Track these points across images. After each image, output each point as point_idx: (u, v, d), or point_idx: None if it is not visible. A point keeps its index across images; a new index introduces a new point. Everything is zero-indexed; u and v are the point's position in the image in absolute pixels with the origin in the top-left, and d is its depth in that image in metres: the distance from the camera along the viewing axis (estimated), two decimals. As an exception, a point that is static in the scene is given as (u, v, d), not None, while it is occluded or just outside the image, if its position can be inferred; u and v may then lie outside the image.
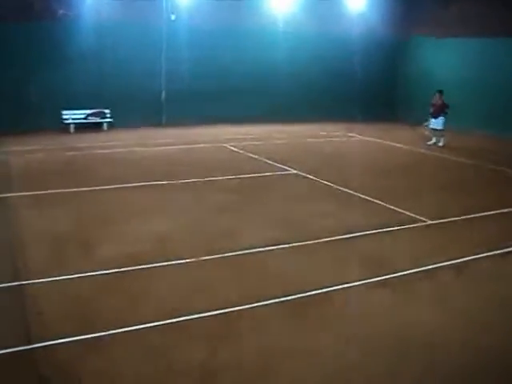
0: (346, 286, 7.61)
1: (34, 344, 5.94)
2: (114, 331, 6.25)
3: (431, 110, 20.01)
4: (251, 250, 8.84)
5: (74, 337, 6.08)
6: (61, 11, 20.22)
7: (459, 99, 23.43)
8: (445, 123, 19.83)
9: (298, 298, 7.22)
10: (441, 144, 19.75)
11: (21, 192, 11.99)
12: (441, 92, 20.08)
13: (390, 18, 25.91)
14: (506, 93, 22.09)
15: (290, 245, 9.15)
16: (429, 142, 20.02)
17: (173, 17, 22.04)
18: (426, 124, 20.44)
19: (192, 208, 11.25)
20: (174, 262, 8.28)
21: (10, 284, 7.40)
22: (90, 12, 20.39)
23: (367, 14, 25.23)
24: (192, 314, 6.64)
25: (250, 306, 6.94)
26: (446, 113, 19.75)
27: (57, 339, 6.02)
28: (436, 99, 20.05)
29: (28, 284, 7.44)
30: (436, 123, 19.91)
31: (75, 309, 6.80)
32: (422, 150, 18.96)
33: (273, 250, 8.93)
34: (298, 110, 23.71)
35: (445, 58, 24.93)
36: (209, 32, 22.42)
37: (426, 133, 20.47)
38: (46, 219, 10.27)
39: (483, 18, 22.55)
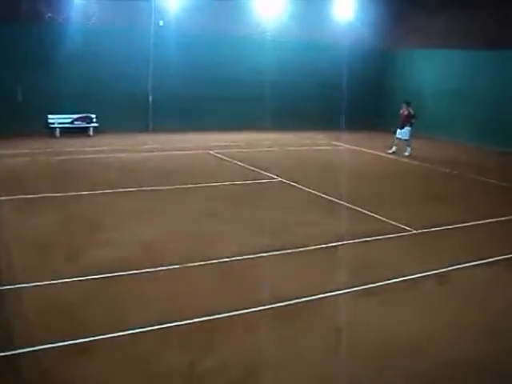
0: (332, 294, 7.63)
1: (17, 349, 5.89)
2: (98, 337, 6.21)
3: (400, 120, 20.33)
4: (237, 257, 8.84)
5: (57, 343, 6.03)
6: (48, 14, 20.16)
7: (444, 110, 23.87)
8: (410, 133, 20.06)
9: (285, 305, 7.23)
10: (407, 153, 19.93)
11: (5, 196, 11.87)
12: (408, 103, 20.36)
13: (377, 29, 26.24)
14: (490, 104, 22.36)
15: (276, 252, 9.15)
16: (389, 151, 20.24)
17: (161, 23, 22.07)
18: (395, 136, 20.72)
19: (178, 214, 11.22)
20: (160, 269, 8.24)
21: (-8, 288, 7.34)
22: (78, 16, 20.34)
23: (354, 25, 25.48)
24: (178, 321, 6.63)
25: (236, 313, 6.94)
26: (412, 123, 20.00)
27: (40, 345, 5.97)
28: (403, 110, 20.31)
29: (12, 289, 7.37)
30: (401, 133, 20.14)
31: (59, 314, 6.74)
32: (407, 160, 19.11)
33: (259, 257, 8.93)
34: (284, 118, 23.78)
35: (430, 69, 25.24)
36: (197, 39, 22.48)
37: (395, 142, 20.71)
38: (31, 224, 10.18)
39: (468, 30, 22.85)
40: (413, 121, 20.00)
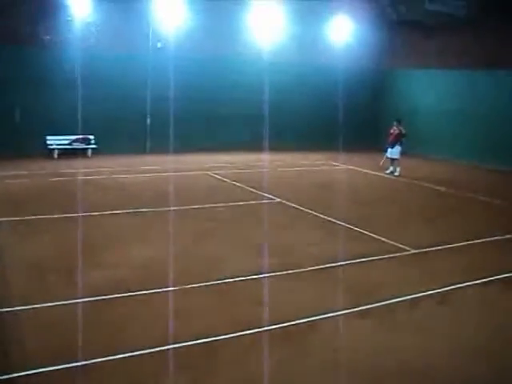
0: (330, 314, 7.61)
1: (14, 373, 5.85)
2: (95, 360, 6.17)
3: (389, 139, 20.20)
4: (235, 279, 8.83)
5: (56, 366, 5.99)
6: (47, 37, 20.32)
7: (441, 129, 24.04)
8: (400, 152, 19.98)
9: (283, 326, 7.20)
10: (397, 174, 19.89)
11: (2, 217, 11.87)
12: (399, 121, 20.27)
13: (375, 50, 26.46)
14: (487, 123, 22.48)
15: (275, 273, 9.14)
16: (386, 171, 20.26)
17: (159, 44, 22.25)
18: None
19: (176, 236, 11.15)
20: (157, 290, 8.24)
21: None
22: (76, 39, 20.50)
23: (352, 45, 25.69)
24: (175, 343, 6.59)
25: (234, 334, 6.92)
26: (402, 142, 19.89)
27: (37, 368, 5.93)
28: (393, 129, 20.21)
29: (8, 311, 7.35)
30: (392, 152, 20.04)
31: (57, 337, 6.72)
32: (404, 180, 19.13)
33: (257, 278, 8.92)
34: (282, 139, 23.83)
35: (428, 89, 25.46)
36: (194, 60, 22.65)
37: (381, 163, 20.70)
38: (28, 245, 10.19)
39: (465, 50, 23.10)
40: (402, 139, 19.91)
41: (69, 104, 20.35)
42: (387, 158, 20.33)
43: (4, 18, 19.23)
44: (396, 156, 19.99)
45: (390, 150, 20.06)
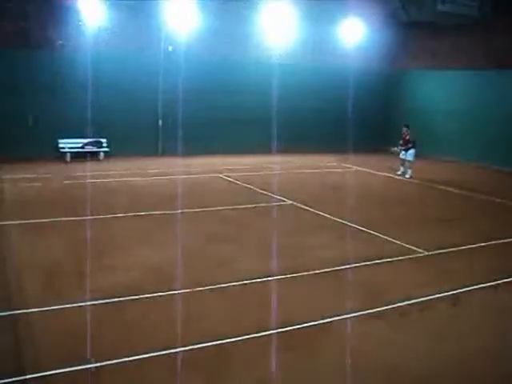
0: (342, 317, 7.57)
1: (27, 375, 5.87)
2: (106, 362, 6.18)
3: (401, 142, 20.37)
4: (246, 281, 8.80)
5: (67, 368, 6.00)
6: (59, 41, 20.44)
7: (452, 130, 23.92)
8: (414, 155, 20.00)
9: (294, 329, 7.18)
10: (408, 176, 19.84)
11: (15, 220, 11.94)
12: (407, 126, 20.44)
13: (385, 51, 26.39)
14: (498, 124, 22.35)
15: (286, 276, 9.11)
16: (398, 173, 20.29)
17: (170, 48, 22.30)
18: (393, 150, 20.94)
19: (187, 238, 11.18)
20: (168, 293, 8.23)
21: (2, 313, 7.32)
22: (89, 42, 20.58)
23: (363, 47, 25.61)
24: (186, 346, 6.58)
25: (245, 336, 6.90)
26: (414, 146, 19.93)
27: (50, 370, 5.94)
28: (404, 134, 20.37)
29: (21, 313, 7.38)
30: (406, 155, 20.10)
31: (68, 339, 6.73)
32: (416, 181, 19.05)
33: (268, 280, 8.90)
34: (293, 141, 23.74)
35: (438, 90, 25.37)
36: (205, 63, 22.72)
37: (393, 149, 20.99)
38: (40, 248, 10.23)
39: (475, 50, 23.02)
40: (411, 145, 19.93)
41: (81, 107, 20.37)
42: (401, 159, 20.30)
43: (16, 23, 19.39)
44: (410, 158, 19.98)
45: (403, 152, 20.14)
